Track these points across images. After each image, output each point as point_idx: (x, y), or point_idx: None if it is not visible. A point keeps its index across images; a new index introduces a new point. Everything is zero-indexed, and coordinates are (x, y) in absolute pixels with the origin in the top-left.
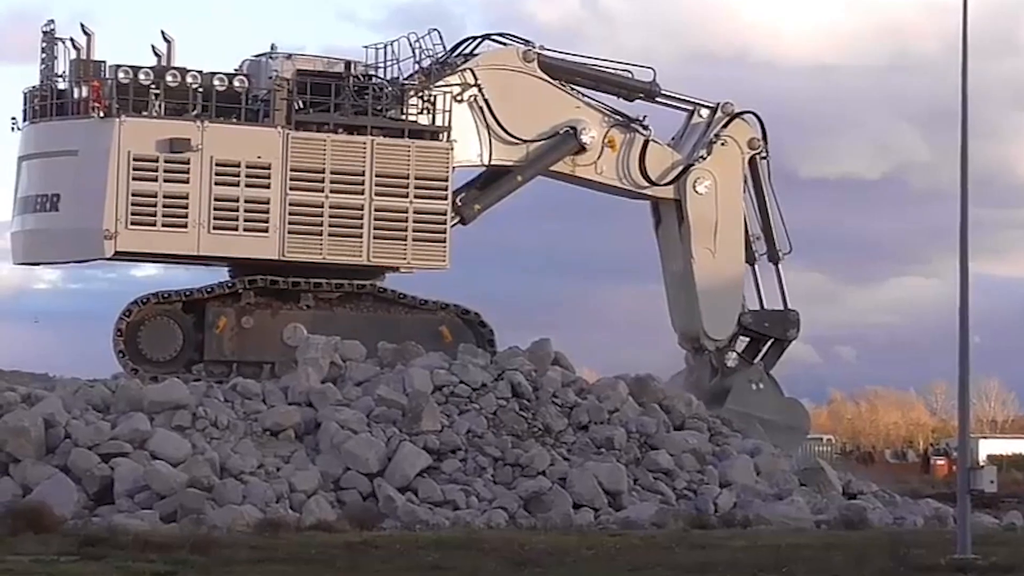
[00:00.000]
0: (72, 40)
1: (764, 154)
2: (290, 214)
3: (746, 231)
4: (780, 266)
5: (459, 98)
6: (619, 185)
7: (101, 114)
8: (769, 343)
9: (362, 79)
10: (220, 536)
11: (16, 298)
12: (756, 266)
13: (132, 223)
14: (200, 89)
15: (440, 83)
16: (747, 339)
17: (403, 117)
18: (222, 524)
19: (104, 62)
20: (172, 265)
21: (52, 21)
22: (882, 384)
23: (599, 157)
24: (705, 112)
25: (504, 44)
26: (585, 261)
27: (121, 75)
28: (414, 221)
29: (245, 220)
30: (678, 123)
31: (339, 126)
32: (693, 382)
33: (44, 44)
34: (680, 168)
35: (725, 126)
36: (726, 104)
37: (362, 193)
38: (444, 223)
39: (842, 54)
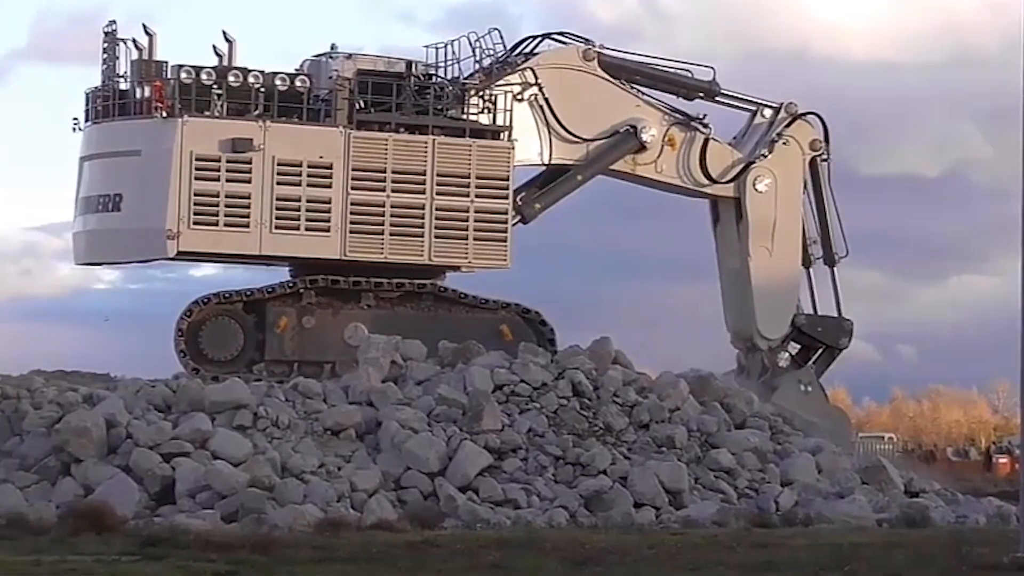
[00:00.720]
0: (134, 40)
1: (825, 156)
2: (352, 214)
3: (803, 234)
4: (836, 270)
5: (519, 97)
6: (679, 184)
7: (164, 114)
8: (820, 351)
9: (423, 79)
10: (281, 536)
11: (75, 298)
12: (811, 271)
13: (195, 223)
14: (262, 89)
15: (500, 82)
16: (799, 346)
17: (464, 117)
18: (283, 524)
19: (166, 62)
20: (232, 265)
21: (114, 22)
22: (944, 382)
23: (659, 156)
24: (768, 112)
25: (564, 43)
26: (645, 260)
27: (183, 75)
28: (475, 220)
29: (307, 220)
30: (738, 124)
31: (400, 126)
32: (743, 380)
33: (106, 45)
34: (741, 166)
35: (788, 126)
36: (790, 104)
37: (423, 193)
38: (505, 222)
39: (903, 51)
